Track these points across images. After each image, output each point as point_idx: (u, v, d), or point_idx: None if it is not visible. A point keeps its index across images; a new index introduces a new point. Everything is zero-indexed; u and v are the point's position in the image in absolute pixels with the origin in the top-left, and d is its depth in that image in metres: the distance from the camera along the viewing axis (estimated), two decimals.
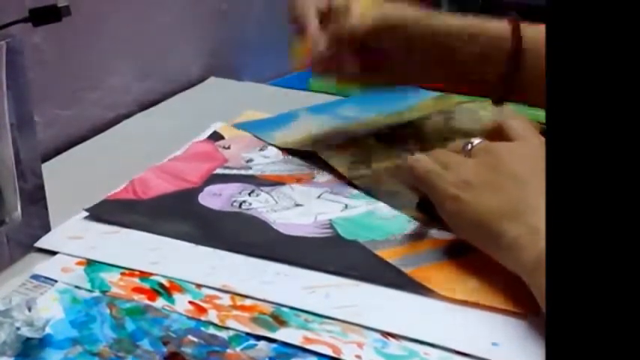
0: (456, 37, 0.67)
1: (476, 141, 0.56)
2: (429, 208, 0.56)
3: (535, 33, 0.65)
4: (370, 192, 0.65)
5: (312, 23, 0.68)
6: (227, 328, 0.48)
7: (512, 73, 0.65)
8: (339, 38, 0.67)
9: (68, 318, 0.49)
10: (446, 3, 1.59)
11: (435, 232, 0.58)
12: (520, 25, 0.65)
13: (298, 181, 0.68)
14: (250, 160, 0.72)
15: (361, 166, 0.68)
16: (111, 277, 0.54)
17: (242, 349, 0.47)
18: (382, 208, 0.62)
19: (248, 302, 0.51)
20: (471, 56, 0.66)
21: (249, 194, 0.65)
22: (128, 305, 0.51)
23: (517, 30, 0.65)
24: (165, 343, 0.47)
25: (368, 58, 0.69)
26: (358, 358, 0.46)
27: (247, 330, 0.48)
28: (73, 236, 0.58)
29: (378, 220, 0.61)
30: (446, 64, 0.68)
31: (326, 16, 0.69)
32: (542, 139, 0.54)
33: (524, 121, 0.56)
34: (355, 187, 0.66)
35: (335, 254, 0.56)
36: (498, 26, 0.66)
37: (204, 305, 0.50)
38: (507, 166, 0.52)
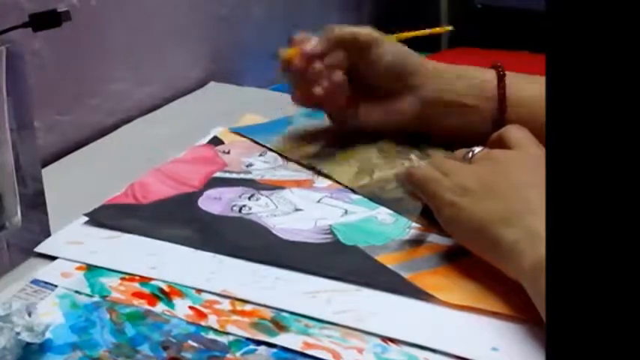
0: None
1: (477, 149, 0.57)
2: (433, 214, 0.56)
3: (518, 84, 0.68)
4: (374, 198, 0.65)
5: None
6: (227, 333, 0.48)
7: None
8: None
9: (68, 323, 0.49)
10: (445, 8, 1.59)
11: (435, 238, 0.58)
12: (505, 77, 0.68)
13: (298, 185, 0.68)
14: (250, 165, 0.72)
15: (364, 176, 0.68)
16: (111, 282, 0.54)
17: (242, 354, 0.47)
18: (382, 213, 0.62)
19: (248, 307, 0.51)
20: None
21: (249, 198, 0.65)
22: (128, 310, 0.51)
23: (501, 82, 0.68)
24: (165, 348, 0.47)
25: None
26: None
27: (247, 335, 0.48)
28: (73, 241, 0.58)
29: (378, 225, 0.60)
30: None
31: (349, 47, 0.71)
32: (542, 148, 0.54)
33: (523, 131, 0.57)
34: (357, 192, 0.66)
35: (335, 259, 0.56)
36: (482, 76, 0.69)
37: (204, 310, 0.50)
38: (506, 172, 0.52)
